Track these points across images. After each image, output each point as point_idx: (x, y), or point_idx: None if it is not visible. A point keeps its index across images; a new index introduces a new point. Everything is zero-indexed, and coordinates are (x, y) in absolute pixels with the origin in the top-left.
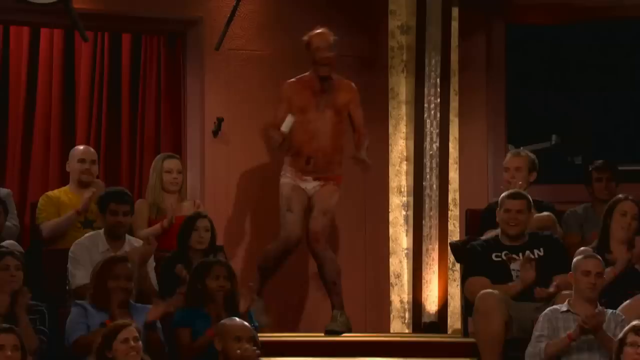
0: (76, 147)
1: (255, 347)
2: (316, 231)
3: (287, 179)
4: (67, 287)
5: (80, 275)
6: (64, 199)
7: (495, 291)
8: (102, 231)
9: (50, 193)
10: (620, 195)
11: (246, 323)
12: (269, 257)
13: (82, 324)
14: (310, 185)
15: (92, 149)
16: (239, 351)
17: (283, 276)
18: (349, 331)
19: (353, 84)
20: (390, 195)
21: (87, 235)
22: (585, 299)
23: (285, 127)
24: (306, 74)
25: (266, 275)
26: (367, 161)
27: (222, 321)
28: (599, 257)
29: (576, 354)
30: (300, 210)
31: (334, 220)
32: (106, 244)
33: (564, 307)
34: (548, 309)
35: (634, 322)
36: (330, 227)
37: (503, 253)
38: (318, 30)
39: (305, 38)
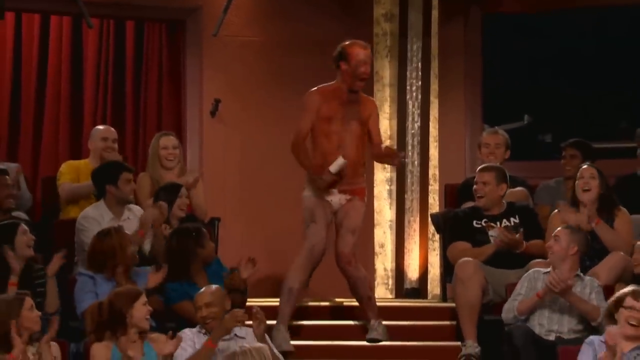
0: (97, 127)
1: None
2: (346, 253)
3: (311, 192)
4: (75, 258)
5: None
6: (83, 169)
7: (473, 259)
8: (102, 202)
9: (72, 161)
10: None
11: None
12: (297, 273)
13: (90, 293)
14: (335, 198)
15: (112, 129)
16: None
17: None
18: (388, 339)
19: (374, 100)
20: (375, 171)
21: (90, 207)
22: (555, 263)
23: (334, 168)
24: (330, 83)
25: (292, 297)
26: (392, 149)
27: (204, 293)
28: (568, 226)
29: (548, 312)
30: (324, 222)
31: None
32: (110, 213)
33: (547, 269)
34: (532, 270)
35: (634, 287)
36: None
37: (483, 220)
38: (359, 43)
39: (343, 49)
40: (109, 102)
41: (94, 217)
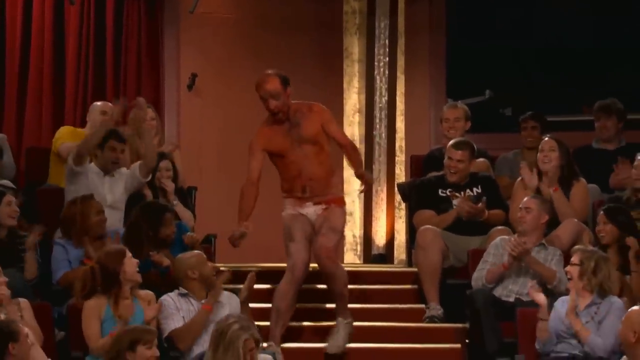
0: (96, 103)
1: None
2: (327, 247)
3: (288, 210)
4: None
5: (71, 189)
6: (80, 136)
7: (432, 227)
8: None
9: (71, 127)
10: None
11: (202, 253)
12: (280, 294)
13: (64, 261)
14: (311, 209)
15: (110, 104)
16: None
17: None
18: (347, 343)
19: (317, 105)
20: None
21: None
22: (519, 232)
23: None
24: (268, 119)
25: (281, 317)
26: (367, 176)
27: (181, 257)
28: (536, 195)
29: (513, 277)
30: (303, 237)
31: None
32: (97, 168)
33: (512, 237)
34: (499, 238)
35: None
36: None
37: (447, 190)
38: (262, 78)
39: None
40: (90, 76)
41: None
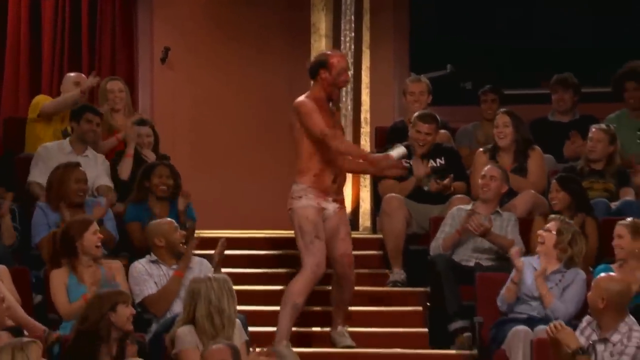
0: (69, 74)
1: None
2: (350, 254)
3: (310, 200)
4: None
5: (35, 173)
6: None
7: (397, 195)
8: (67, 140)
9: (44, 95)
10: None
11: (172, 220)
12: (301, 291)
13: (43, 225)
14: (330, 206)
15: (83, 75)
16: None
17: None
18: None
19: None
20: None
21: (54, 142)
22: (482, 199)
23: (396, 153)
24: (308, 94)
25: (294, 315)
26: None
27: (153, 223)
28: (500, 166)
29: (469, 242)
30: (324, 236)
31: None
32: (70, 147)
33: (469, 206)
34: (455, 207)
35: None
36: None
37: (411, 161)
38: (337, 52)
39: (323, 58)
40: (66, 48)
41: (52, 148)
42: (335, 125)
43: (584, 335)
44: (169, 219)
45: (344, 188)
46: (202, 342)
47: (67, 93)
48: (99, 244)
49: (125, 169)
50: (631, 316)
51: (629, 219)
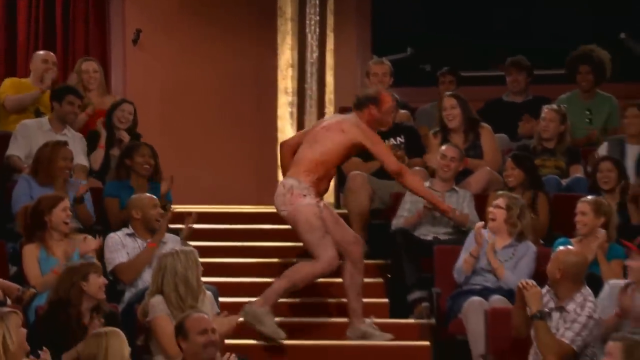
0: (38, 52)
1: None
2: (358, 235)
3: (312, 199)
4: None
5: (13, 147)
6: (24, 86)
7: (361, 172)
8: (46, 118)
9: (13, 78)
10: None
11: (154, 196)
12: (307, 277)
13: (26, 196)
14: (321, 204)
15: (52, 53)
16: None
17: None
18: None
19: None
20: (279, 95)
21: (33, 119)
22: (441, 178)
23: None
24: (359, 121)
25: (290, 290)
26: None
27: (133, 196)
28: (457, 147)
29: (430, 224)
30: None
31: None
32: (49, 125)
33: (427, 184)
34: None
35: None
36: None
37: None
38: (390, 93)
39: (376, 95)
40: (40, 29)
41: (31, 126)
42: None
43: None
44: (151, 195)
45: None
46: (171, 312)
47: (27, 93)
48: (68, 220)
49: (97, 160)
50: (587, 287)
51: (590, 197)
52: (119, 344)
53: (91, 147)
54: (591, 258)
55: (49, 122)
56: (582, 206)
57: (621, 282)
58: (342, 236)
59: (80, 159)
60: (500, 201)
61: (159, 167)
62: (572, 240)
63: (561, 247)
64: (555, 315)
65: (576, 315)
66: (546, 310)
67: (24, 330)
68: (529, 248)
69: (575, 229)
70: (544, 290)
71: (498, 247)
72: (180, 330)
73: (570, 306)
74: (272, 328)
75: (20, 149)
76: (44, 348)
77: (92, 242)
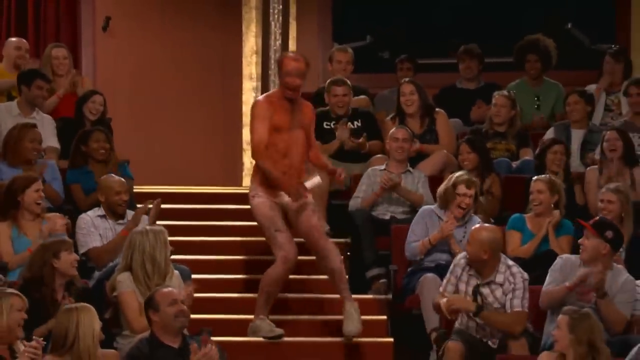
0: (11, 39)
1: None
2: (317, 225)
3: (261, 198)
4: None
5: None
6: None
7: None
8: (15, 102)
9: None
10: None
11: (121, 178)
12: (273, 281)
13: None
14: (285, 199)
15: (24, 40)
16: (117, 198)
17: None
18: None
19: (310, 105)
20: (244, 81)
21: (1, 104)
22: (395, 160)
23: (310, 184)
24: (274, 90)
25: (272, 298)
26: (338, 170)
27: (103, 177)
28: (406, 128)
29: (387, 204)
30: (286, 227)
31: None
32: (18, 110)
33: (382, 167)
34: (370, 168)
35: (466, 176)
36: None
37: (332, 123)
38: (293, 55)
39: (278, 59)
40: (12, 17)
41: (1, 110)
42: (293, 126)
43: (462, 281)
44: (120, 179)
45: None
46: (138, 289)
47: (1, 80)
48: (40, 201)
49: None
50: (502, 254)
51: (544, 176)
52: (90, 318)
53: (66, 134)
54: (542, 234)
55: (17, 105)
56: (538, 185)
57: (572, 256)
58: (298, 230)
59: (51, 140)
60: (473, 191)
61: (114, 150)
62: (526, 216)
63: (476, 226)
64: (485, 290)
65: (512, 284)
66: (472, 288)
67: (21, 315)
68: (477, 221)
69: (523, 207)
70: (459, 270)
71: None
72: (151, 304)
73: (499, 278)
74: (267, 329)
75: None
76: (37, 338)
77: (58, 220)
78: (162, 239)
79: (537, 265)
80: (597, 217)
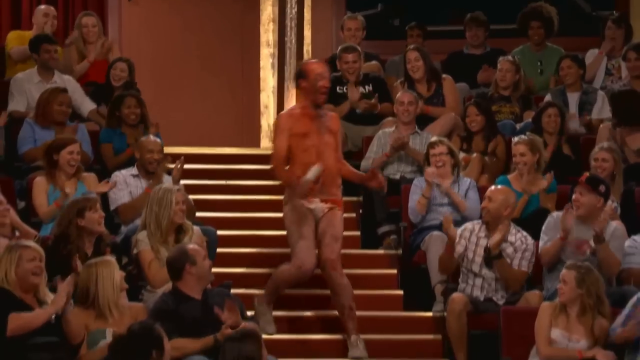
0: (40, 6)
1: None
2: (333, 259)
3: (295, 202)
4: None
5: (12, 104)
6: (27, 38)
7: None
8: (34, 68)
9: (18, 31)
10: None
11: (157, 139)
12: (283, 281)
13: (30, 139)
14: (319, 206)
15: (52, 7)
16: (148, 156)
17: None
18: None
19: (337, 115)
20: (261, 47)
21: (21, 72)
22: (402, 122)
23: (311, 175)
24: (296, 105)
25: (278, 290)
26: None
27: (142, 138)
28: (411, 91)
29: (397, 164)
30: (312, 236)
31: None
32: (38, 77)
33: (392, 128)
34: (381, 131)
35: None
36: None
37: (344, 87)
38: (313, 60)
39: (300, 68)
40: None
41: (22, 79)
42: (322, 131)
43: (471, 242)
44: (155, 139)
45: (335, 189)
46: (151, 244)
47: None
48: (73, 163)
49: None
50: None
51: (523, 137)
52: (109, 271)
53: (96, 98)
54: (533, 191)
55: (37, 73)
56: (520, 147)
57: (561, 213)
58: (318, 254)
59: (88, 104)
60: (444, 148)
61: (146, 114)
62: (509, 177)
63: (499, 187)
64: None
65: (524, 245)
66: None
67: (34, 264)
68: (470, 181)
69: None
70: (467, 232)
71: (446, 186)
72: (188, 258)
73: (510, 237)
74: (263, 323)
75: (17, 104)
76: (59, 277)
77: (104, 186)
78: (168, 199)
79: (528, 224)
80: (587, 174)
